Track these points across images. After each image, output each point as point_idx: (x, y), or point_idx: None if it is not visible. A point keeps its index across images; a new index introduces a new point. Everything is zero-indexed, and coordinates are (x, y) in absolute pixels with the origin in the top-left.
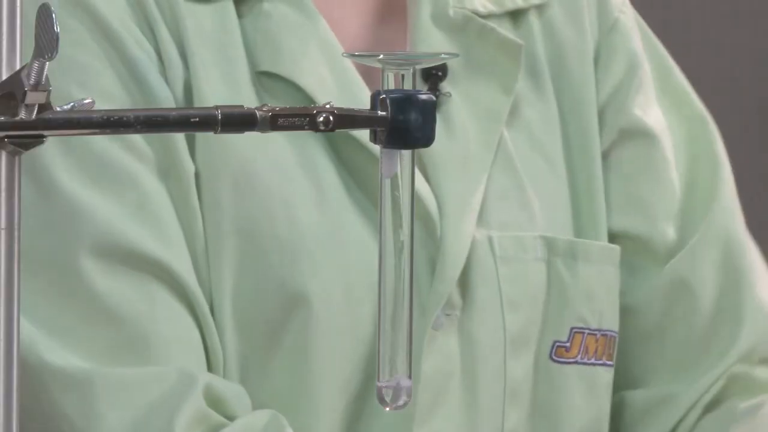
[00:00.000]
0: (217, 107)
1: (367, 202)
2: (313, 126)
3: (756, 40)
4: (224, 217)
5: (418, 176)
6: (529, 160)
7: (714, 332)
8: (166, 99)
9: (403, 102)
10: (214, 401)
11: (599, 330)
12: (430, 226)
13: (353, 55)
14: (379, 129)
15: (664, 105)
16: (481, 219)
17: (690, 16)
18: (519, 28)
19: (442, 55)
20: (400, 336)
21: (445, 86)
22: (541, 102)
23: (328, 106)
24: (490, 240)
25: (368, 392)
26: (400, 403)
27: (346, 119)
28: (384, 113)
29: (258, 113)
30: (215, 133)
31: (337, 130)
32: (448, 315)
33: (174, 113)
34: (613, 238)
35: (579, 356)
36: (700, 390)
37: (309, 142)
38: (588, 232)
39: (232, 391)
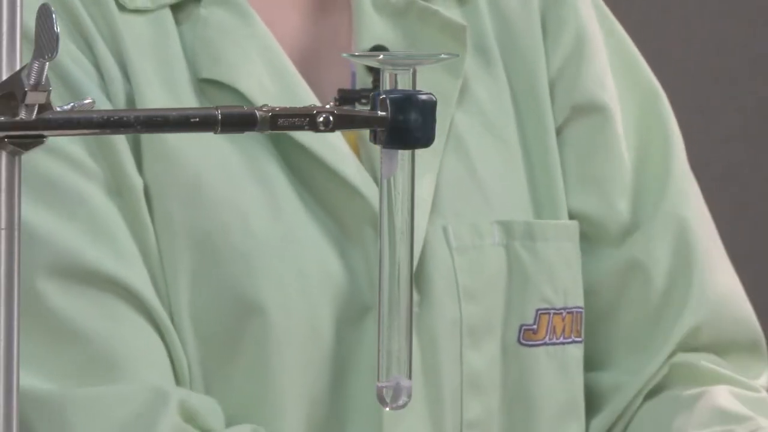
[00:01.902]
0: (217, 107)
1: (316, 205)
2: (313, 126)
3: (756, 40)
4: (177, 230)
5: (364, 175)
6: (481, 143)
7: (661, 316)
8: None
9: (403, 102)
10: (189, 416)
11: (565, 308)
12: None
13: (353, 56)
14: (378, 129)
15: (616, 77)
16: (435, 209)
17: (689, 16)
18: (464, 5)
19: (442, 56)
20: (399, 336)
21: None
22: (491, 80)
23: (328, 106)
24: (444, 230)
25: (334, 397)
26: (400, 402)
27: (346, 119)
28: (384, 113)
29: (258, 113)
30: (215, 133)
31: (279, 133)
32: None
33: (174, 113)
34: (570, 217)
35: (547, 337)
36: (645, 377)
37: (256, 148)
38: (546, 211)
39: (205, 404)
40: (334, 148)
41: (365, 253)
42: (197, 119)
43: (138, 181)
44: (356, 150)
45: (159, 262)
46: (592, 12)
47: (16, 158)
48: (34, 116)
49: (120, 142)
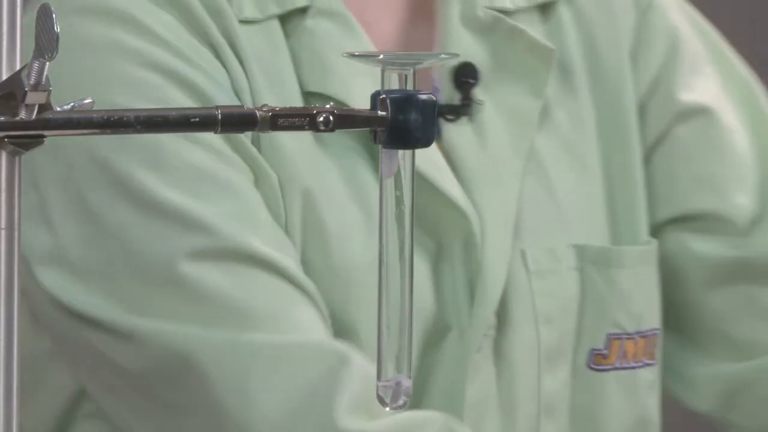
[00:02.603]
0: (217, 107)
1: (417, 229)
2: (313, 126)
3: (756, 40)
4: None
5: (462, 194)
6: (560, 165)
7: None
8: None
9: (403, 102)
10: (369, 386)
11: (638, 332)
12: (471, 247)
13: (353, 55)
14: (379, 129)
15: (714, 74)
16: (516, 232)
17: None
18: (548, 21)
19: (442, 55)
20: (401, 336)
21: (476, 93)
22: (573, 100)
23: (328, 106)
24: (523, 254)
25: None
26: (400, 402)
27: (346, 119)
28: (384, 113)
29: (258, 113)
30: (215, 132)
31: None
32: (484, 336)
33: (174, 113)
34: (685, 220)
35: (617, 362)
36: None
37: (358, 165)
38: (625, 235)
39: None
40: (436, 164)
41: (452, 271)
42: (197, 119)
43: (274, 175)
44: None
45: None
46: (680, 14)
47: (16, 158)
48: (34, 116)
49: (248, 142)
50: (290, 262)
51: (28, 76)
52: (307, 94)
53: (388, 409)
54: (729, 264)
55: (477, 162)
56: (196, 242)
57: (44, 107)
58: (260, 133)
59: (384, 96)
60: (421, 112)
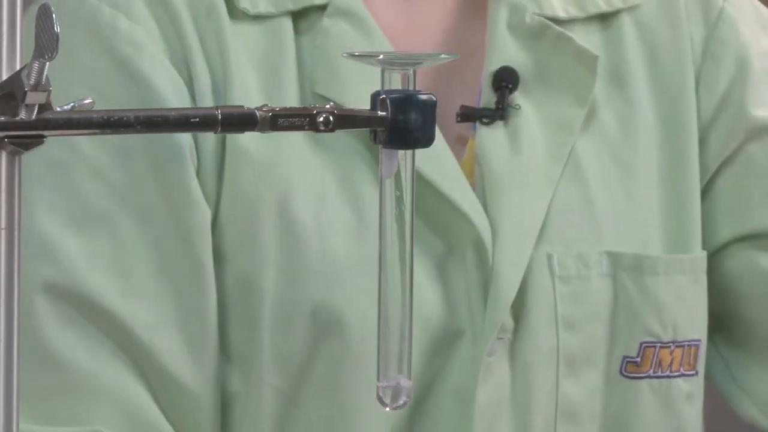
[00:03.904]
0: (217, 107)
1: (423, 227)
2: (313, 126)
3: None
4: (264, 248)
5: (472, 199)
6: (603, 171)
7: None
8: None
9: (403, 102)
10: None
11: (674, 342)
12: (482, 251)
13: (353, 56)
14: (378, 129)
15: None
16: (543, 236)
17: None
18: (607, 30)
19: (442, 56)
20: (401, 337)
21: (516, 97)
22: (626, 108)
23: (328, 106)
24: (549, 258)
25: (416, 422)
26: (400, 402)
27: (347, 119)
28: (384, 113)
29: (258, 113)
30: (215, 133)
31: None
32: (500, 339)
33: (174, 113)
34: (756, 237)
35: (651, 370)
36: None
37: (355, 166)
38: (674, 244)
39: None
40: (444, 169)
41: (466, 277)
42: (197, 119)
43: (200, 216)
44: (470, 175)
45: (211, 298)
46: (754, 26)
47: (16, 158)
48: (34, 116)
49: (187, 173)
50: (133, 318)
51: (28, 76)
52: (315, 95)
53: (387, 409)
54: None
55: (505, 166)
56: (49, 274)
57: (44, 107)
58: (226, 141)
59: (384, 96)
60: (421, 113)
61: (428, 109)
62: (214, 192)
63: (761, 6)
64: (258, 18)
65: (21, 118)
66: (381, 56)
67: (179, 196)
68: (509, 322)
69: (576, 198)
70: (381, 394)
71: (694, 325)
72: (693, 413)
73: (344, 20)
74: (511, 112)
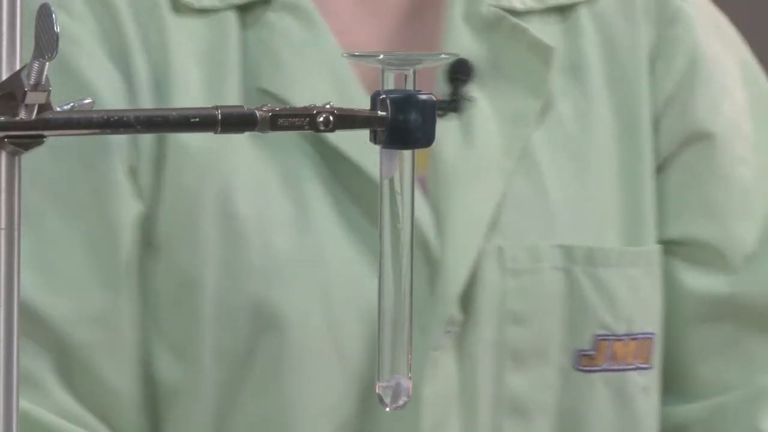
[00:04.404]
0: (217, 107)
1: (362, 220)
2: (313, 126)
3: (756, 40)
4: (204, 246)
5: (418, 193)
6: (558, 164)
7: None
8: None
9: (403, 102)
10: None
11: (628, 335)
12: (428, 244)
13: (352, 55)
14: (378, 129)
15: (744, 95)
16: (495, 229)
17: None
18: (565, 22)
19: (442, 56)
20: (400, 337)
21: (471, 89)
22: (584, 102)
23: (328, 106)
24: (500, 251)
25: (363, 419)
26: (400, 402)
27: (346, 119)
28: (384, 113)
29: (258, 113)
30: (215, 133)
31: (328, 148)
32: (447, 332)
33: (174, 113)
34: (679, 244)
35: (605, 364)
36: None
37: (297, 163)
38: (628, 236)
39: None
40: None
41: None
42: (197, 119)
43: (130, 211)
44: (421, 169)
45: (137, 297)
46: (711, 29)
47: (16, 158)
48: (34, 116)
49: (117, 169)
50: (61, 309)
51: (28, 76)
52: (258, 90)
53: (387, 409)
54: (715, 301)
55: (457, 158)
56: None
57: (44, 107)
58: (168, 137)
59: (384, 96)
60: (421, 112)
61: (428, 109)
62: (151, 187)
63: (718, 12)
64: (203, 12)
65: (21, 118)
66: (381, 56)
67: (108, 192)
68: (457, 316)
69: (529, 191)
70: (381, 394)
71: (648, 318)
72: (649, 407)
73: (290, 14)
74: (466, 105)
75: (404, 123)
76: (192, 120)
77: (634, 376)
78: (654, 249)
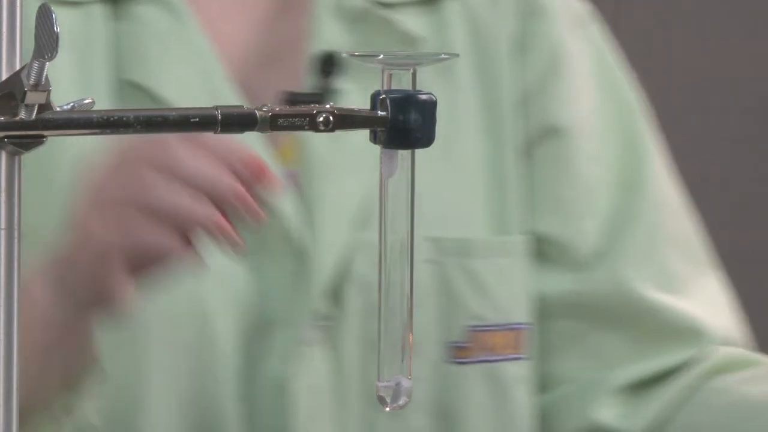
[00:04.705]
0: (216, 107)
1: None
2: (313, 126)
3: (756, 40)
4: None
5: (286, 186)
6: (426, 155)
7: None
8: None
9: (403, 102)
10: None
11: (501, 325)
12: (293, 239)
13: (353, 55)
14: (378, 129)
15: (596, 94)
16: (365, 221)
17: (690, 16)
18: (433, 15)
19: (442, 56)
20: (400, 336)
21: (342, 81)
22: (452, 93)
23: (328, 106)
24: (369, 245)
25: (240, 409)
26: (400, 402)
27: (346, 119)
28: (384, 113)
29: (258, 113)
30: (215, 132)
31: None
32: (318, 326)
33: (173, 113)
34: (535, 240)
35: (480, 355)
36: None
37: None
38: (494, 227)
39: None
40: (255, 150)
41: (277, 265)
42: (197, 119)
43: None
44: (287, 162)
45: None
46: (571, 25)
47: (16, 158)
48: (33, 116)
49: None
50: None
51: (28, 76)
52: (122, 81)
53: (387, 409)
54: (562, 298)
55: (326, 151)
56: None
57: (44, 107)
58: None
59: (384, 96)
60: (421, 112)
61: (428, 109)
62: None
63: (585, 9)
64: (73, 3)
65: (21, 118)
66: (381, 56)
67: None
68: (329, 310)
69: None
70: (381, 394)
71: (520, 308)
72: (524, 397)
73: (157, 6)
74: (334, 97)
75: (404, 123)
76: (192, 120)
77: (508, 366)
78: (520, 239)
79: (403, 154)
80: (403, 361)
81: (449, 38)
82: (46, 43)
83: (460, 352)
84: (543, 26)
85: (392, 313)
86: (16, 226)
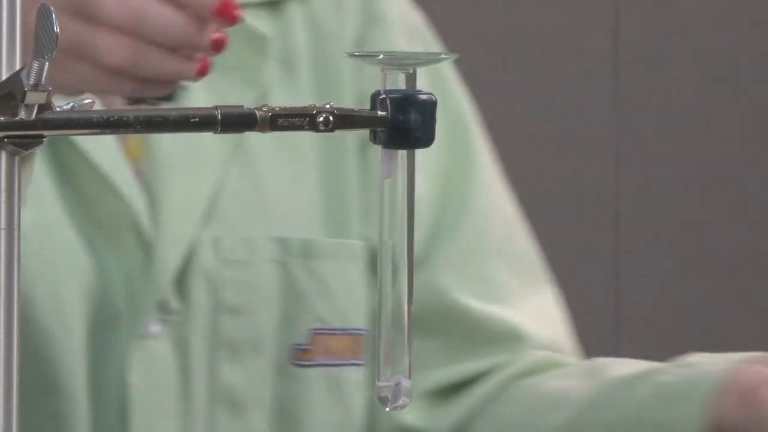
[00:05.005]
0: (216, 107)
1: (74, 199)
2: (313, 126)
3: (756, 40)
4: None
5: (129, 179)
6: (273, 156)
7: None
8: None
9: (403, 102)
10: None
11: (343, 329)
12: (140, 232)
13: (353, 55)
14: (378, 129)
15: None
16: (211, 219)
17: (690, 17)
18: (277, 18)
19: (442, 55)
20: (400, 336)
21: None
22: (295, 93)
23: (328, 105)
24: (216, 241)
25: (90, 395)
26: (400, 402)
27: (346, 119)
28: (384, 113)
29: (258, 113)
30: (215, 133)
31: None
32: (165, 321)
33: (174, 113)
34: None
35: (321, 358)
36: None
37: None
38: (335, 230)
39: None
40: (105, 149)
41: (124, 259)
42: (197, 119)
43: None
44: (135, 159)
45: None
46: (408, 35)
47: (16, 158)
48: (33, 116)
49: None
50: None
51: (28, 76)
52: None
53: (387, 409)
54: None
55: (171, 146)
56: None
57: (44, 107)
58: None
59: (384, 96)
60: (421, 112)
61: (428, 109)
62: None
63: (424, 21)
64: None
65: (20, 118)
66: (381, 56)
67: None
68: (174, 304)
69: (244, 181)
70: (381, 394)
71: (359, 313)
72: (360, 404)
73: None
74: (180, 93)
75: (404, 123)
76: (192, 120)
77: (349, 371)
78: (359, 244)
79: (403, 155)
80: (403, 361)
81: (292, 39)
82: (46, 43)
83: (302, 355)
84: (382, 33)
85: (392, 313)
86: (16, 226)
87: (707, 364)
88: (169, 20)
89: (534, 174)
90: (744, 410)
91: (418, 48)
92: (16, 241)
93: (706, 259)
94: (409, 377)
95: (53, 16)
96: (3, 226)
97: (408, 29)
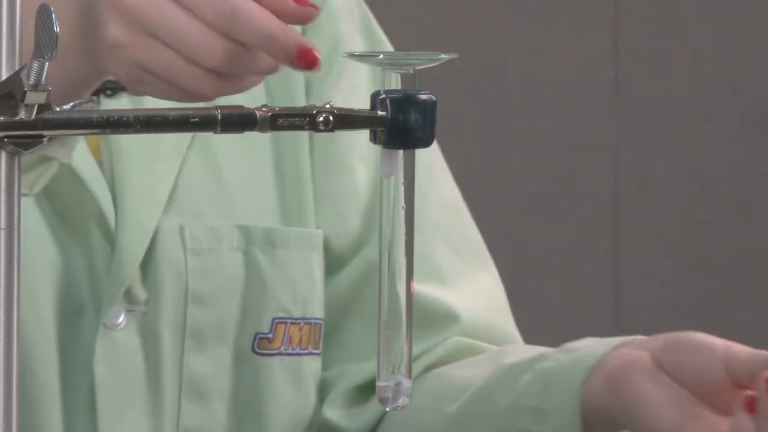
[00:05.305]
0: (216, 107)
1: (42, 194)
2: (313, 126)
3: (756, 40)
4: None
5: (93, 169)
6: (230, 145)
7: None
8: None
9: (403, 102)
10: None
11: (303, 318)
12: (104, 223)
13: (353, 55)
14: (378, 129)
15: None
16: (174, 208)
17: (690, 17)
18: None
19: (442, 55)
20: (400, 336)
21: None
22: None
23: (328, 105)
24: (181, 230)
25: (63, 389)
26: (400, 402)
27: (346, 119)
28: (384, 113)
29: (258, 113)
30: (215, 132)
31: None
32: (132, 311)
33: (173, 113)
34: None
35: (283, 347)
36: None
37: None
38: (293, 219)
39: None
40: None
41: (88, 250)
42: (197, 119)
43: None
44: (97, 153)
45: None
46: (351, 25)
47: (16, 158)
48: (33, 116)
49: None
50: None
51: (28, 75)
52: None
53: (387, 409)
54: (329, 292)
55: (129, 138)
56: None
57: (44, 107)
58: None
59: (384, 96)
60: (421, 112)
61: (428, 109)
62: None
63: (369, 14)
64: None
65: (20, 118)
66: (381, 56)
67: None
68: (141, 294)
69: (205, 170)
70: (381, 394)
71: (318, 302)
72: (316, 392)
73: None
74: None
75: (404, 123)
76: (192, 120)
77: (308, 360)
78: (316, 233)
79: (403, 155)
80: (403, 361)
81: None
82: (46, 43)
83: (264, 344)
84: (324, 19)
85: (392, 313)
86: (16, 226)
87: (586, 349)
88: (264, 22)
89: (534, 174)
90: (609, 394)
91: (364, 41)
92: (16, 241)
93: (706, 259)
94: (409, 377)
95: (53, 16)
96: (3, 226)
97: (359, 22)
